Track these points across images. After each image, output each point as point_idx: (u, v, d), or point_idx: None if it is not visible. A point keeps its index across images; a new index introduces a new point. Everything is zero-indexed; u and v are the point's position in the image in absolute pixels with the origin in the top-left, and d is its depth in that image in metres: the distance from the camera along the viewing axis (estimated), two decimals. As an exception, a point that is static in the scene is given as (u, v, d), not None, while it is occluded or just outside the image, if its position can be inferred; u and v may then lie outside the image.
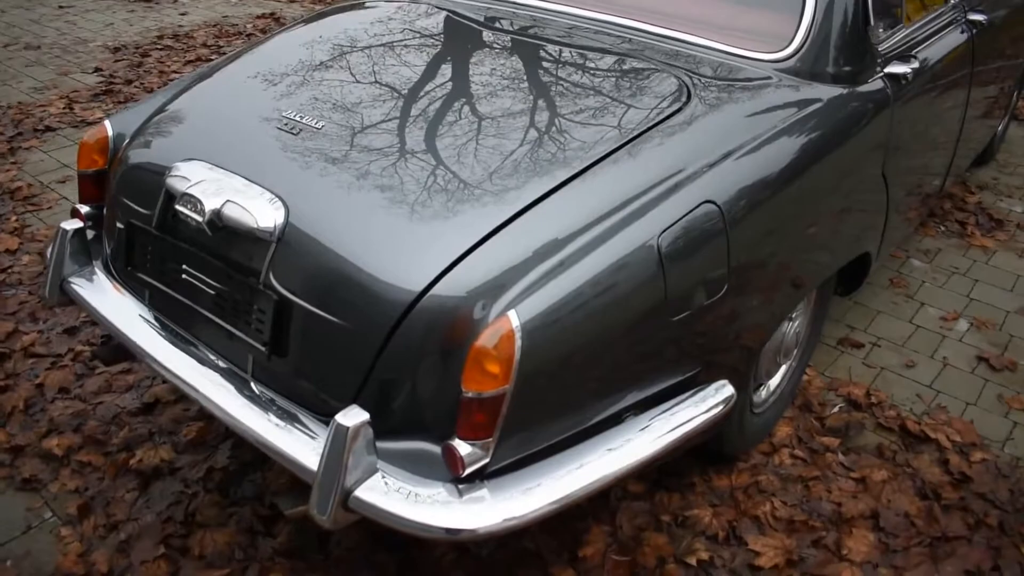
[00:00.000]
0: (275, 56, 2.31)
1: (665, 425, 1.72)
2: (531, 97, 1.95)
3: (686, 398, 1.81)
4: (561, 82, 2.02)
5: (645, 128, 1.82)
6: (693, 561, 2.14)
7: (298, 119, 1.91)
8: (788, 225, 1.97)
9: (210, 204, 1.73)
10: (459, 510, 1.48)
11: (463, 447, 1.49)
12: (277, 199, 1.72)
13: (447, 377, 1.53)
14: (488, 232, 1.58)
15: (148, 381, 2.73)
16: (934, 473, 2.48)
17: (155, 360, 1.88)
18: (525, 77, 2.05)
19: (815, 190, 2.03)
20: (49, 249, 2.21)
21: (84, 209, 2.26)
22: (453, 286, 1.54)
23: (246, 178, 1.78)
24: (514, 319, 1.47)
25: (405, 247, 1.60)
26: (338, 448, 1.48)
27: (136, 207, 2.02)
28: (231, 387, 1.76)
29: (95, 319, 2.07)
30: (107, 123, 2.30)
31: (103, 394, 2.69)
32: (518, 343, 1.46)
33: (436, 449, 1.55)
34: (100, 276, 2.14)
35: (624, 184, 1.70)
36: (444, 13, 2.53)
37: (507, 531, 1.50)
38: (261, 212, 1.69)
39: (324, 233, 1.67)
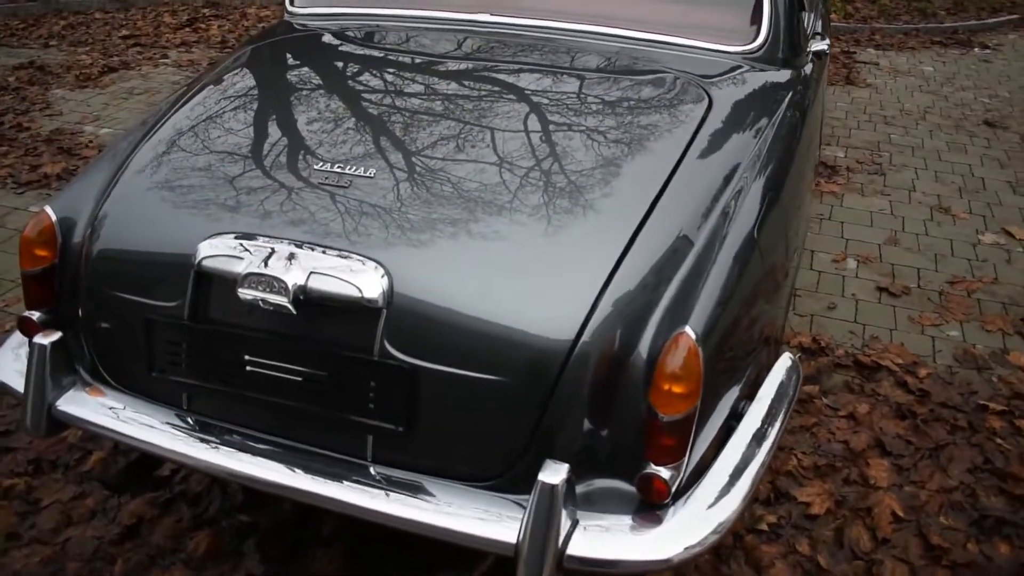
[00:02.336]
0: (248, 102, 2.10)
1: (778, 406, 1.79)
2: (570, 119, 1.92)
3: (769, 377, 1.89)
4: (589, 102, 2.00)
5: (694, 132, 1.86)
6: (764, 527, 2.25)
7: (338, 171, 1.74)
8: (801, 184, 2.12)
9: (293, 280, 1.52)
10: (674, 535, 1.46)
11: (664, 472, 1.47)
12: (371, 262, 1.54)
13: (624, 409, 1.49)
14: (617, 258, 1.56)
15: (114, 500, 2.38)
16: (899, 395, 2.77)
17: (231, 472, 1.64)
18: (546, 99, 2.01)
19: (806, 153, 2.21)
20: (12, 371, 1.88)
21: (36, 315, 1.93)
22: (607, 318, 1.49)
23: (318, 245, 1.59)
24: (691, 333, 1.47)
25: (539, 288, 1.52)
26: (545, 509, 1.40)
27: (147, 300, 1.74)
28: (350, 477, 1.57)
29: (117, 442, 1.78)
30: (48, 209, 1.93)
31: (65, 529, 2.31)
32: (701, 356, 1.46)
33: (614, 484, 1.51)
34: (103, 391, 1.84)
35: (704, 188, 1.74)
36: (406, 34, 2.42)
37: (714, 544, 1.50)
38: (363, 279, 1.52)
39: (439, 289, 1.54)
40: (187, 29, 7.21)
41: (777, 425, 1.76)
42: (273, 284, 1.53)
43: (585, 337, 1.48)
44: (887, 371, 2.88)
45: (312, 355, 1.59)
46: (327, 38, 2.45)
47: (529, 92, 2.04)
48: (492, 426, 1.53)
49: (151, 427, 1.75)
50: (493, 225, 1.63)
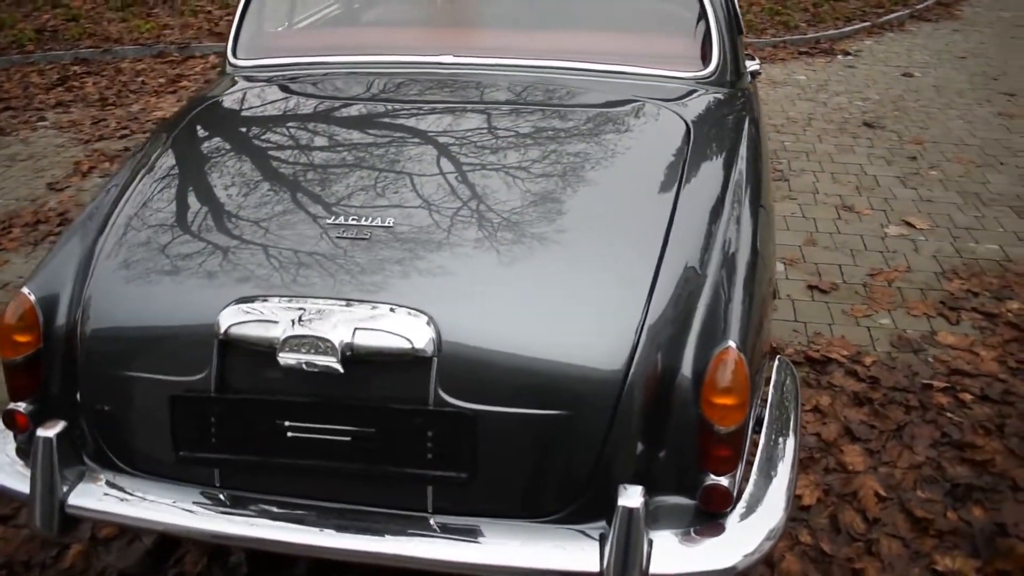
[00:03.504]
0: (222, 161, 2.06)
1: (789, 407, 1.90)
2: (568, 153, 1.98)
3: (773, 381, 2.00)
4: (581, 136, 2.06)
5: (684, 161, 1.95)
6: (765, 523, 2.35)
7: (354, 223, 1.74)
8: (770, 191, 2.26)
9: (339, 338, 1.50)
10: (735, 543, 1.53)
11: (725, 481, 1.54)
12: (415, 311, 1.54)
13: (680, 427, 1.55)
14: (649, 286, 1.62)
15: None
16: (852, 384, 2.95)
17: (285, 544, 1.60)
18: (539, 134, 2.06)
19: (767, 161, 2.36)
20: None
21: (22, 407, 1.82)
22: (649, 344, 1.55)
23: (357, 300, 1.56)
24: (736, 347, 1.55)
25: (583, 321, 1.57)
26: (628, 533, 1.43)
27: (163, 376, 1.67)
28: (414, 531, 1.56)
29: (147, 530, 1.69)
30: (26, 291, 1.82)
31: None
32: (746, 367, 1.55)
33: (675, 499, 1.57)
34: (118, 478, 1.74)
35: (706, 211, 1.83)
36: (369, 81, 2.41)
37: (770, 550, 1.58)
38: (410, 330, 1.52)
39: (485, 332, 1.56)
40: (60, 88, 6.90)
41: (793, 425, 1.86)
42: (319, 345, 1.51)
43: (635, 364, 1.53)
44: (836, 363, 3.06)
45: (362, 413, 1.57)
46: (286, 89, 2.42)
47: (516, 129, 2.09)
48: (555, 461, 1.56)
49: (183, 510, 1.67)
50: (522, 262, 1.66)
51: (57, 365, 1.79)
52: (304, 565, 2.17)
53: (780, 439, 1.80)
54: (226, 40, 2.66)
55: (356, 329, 1.52)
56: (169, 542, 2.27)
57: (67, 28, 8.30)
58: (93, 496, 1.72)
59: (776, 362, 2.07)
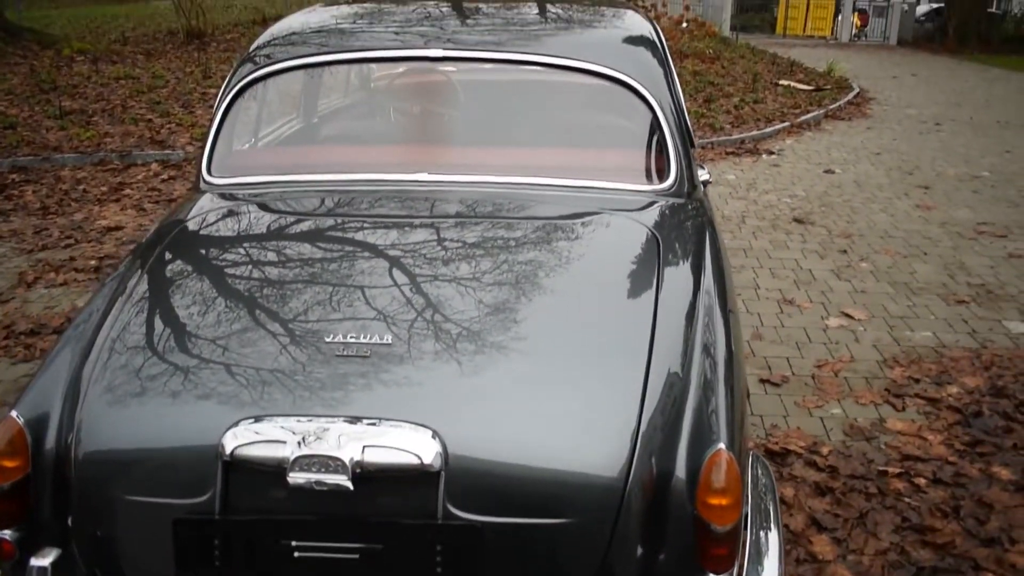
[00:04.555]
0: (209, 280, 2.08)
1: (767, 500, 1.99)
2: (551, 267, 2.07)
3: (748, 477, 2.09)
4: (558, 248, 2.17)
5: (658, 271, 2.06)
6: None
7: (353, 341, 1.78)
8: (733, 290, 2.40)
9: (349, 456, 1.53)
10: None
11: None
12: (421, 427, 1.58)
13: (677, 529, 1.61)
14: (641, 395, 1.70)
15: None
16: (813, 474, 3.06)
17: None
18: (517, 249, 2.14)
19: (727, 263, 2.50)
20: None
21: (8, 535, 1.78)
22: (645, 450, 1.62)
23: (362, 418, 1.59)
24: (727, 449, 1.63)
25: (581, 430, 1.64)
26: None
27: (164, 500, 1.66)
28: None
29: None
30: (14, 414, 1.79)
31: None
32: (737, 467, 1.63)
33: None
34: None
35: (684, 316, 1.93)
36: (346, 198, 2.47)
37: None
38: (418, 446, 1.55)
39: (489, 444, 1.60)
40: (-2, 198, 6.82)
41: (774, 518, 1.95)
42: (328, 464, 1.53)
43: (632, 470, 1.60)
44: (795, 454, 3.18)
45: (371, 529, 1.59)
46: (266, 208, 2.47)
47: (495, 243, 2.19)
48: (560, 567, 1.60)
49: None
50: (518, 373, 1.74)
51: (47, 491, 1.76)
52: None
53: (764, 533, 1.87)
54: (198, 157, 2.71)
55: (365, 447, 1.56)
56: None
57: (4, 136, 8.25)
58: None
59: (749, 457, 2.16)
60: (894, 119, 10.46)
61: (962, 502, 2.87)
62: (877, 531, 2.74)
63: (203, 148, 2.71)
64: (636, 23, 2.98)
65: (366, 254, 2.20)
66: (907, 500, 2.89)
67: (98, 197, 6.78)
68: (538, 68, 2.68)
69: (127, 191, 6.95)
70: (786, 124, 8.98)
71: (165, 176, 7.37)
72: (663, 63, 2.72)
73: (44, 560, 1.68)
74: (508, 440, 1.63)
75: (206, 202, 2.57)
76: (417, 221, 2.33)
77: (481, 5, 3.20)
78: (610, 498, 1.59)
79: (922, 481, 2.99)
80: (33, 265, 5.25)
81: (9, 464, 1.77)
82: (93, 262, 5.24)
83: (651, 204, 2.46)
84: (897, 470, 3.05)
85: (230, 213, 2.50)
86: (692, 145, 2.73)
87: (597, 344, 1.83)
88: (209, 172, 2.69)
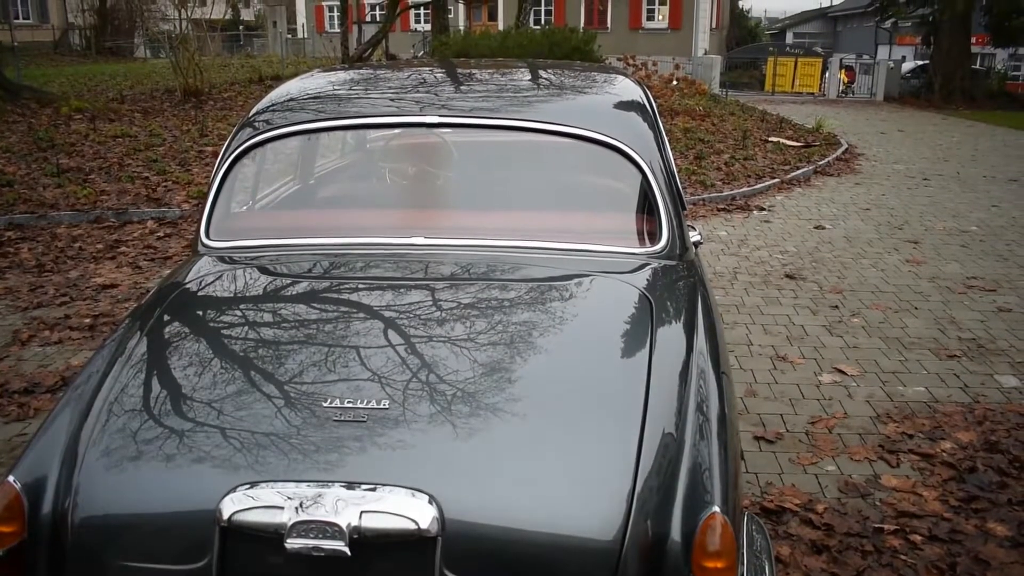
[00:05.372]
0: (207, 345, 2.10)
1: (762, 560, 2.00)
2: (542, 329, 2.11)
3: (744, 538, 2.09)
4: (549, 310, 2.20)
5: (651, 334, 2.09)
6: None
7: (350, 406, 1.79)
8: (725, 349, 2.42)
9: (347, 522, 1.53)
10: None
11: None
12: (418, 492, 1.59)
13: None
14: (635, 458, 1.71)
15: None
16: (808, 532, 3.06)
17: None
18: (509, 312, 2.18)
19: (719, 322, 2.53)
20: None
21: None
22: (639, 513, 1.63)
23: (359, 484, 1.60)
24: (722, 512, 1.63)
25: (576, 494, 1.64)
26: None
27: (160, 566, 1.66)
28: None
29: None
30: (12, 478, 1.79)
31: None
32: (731, 530, 1.64)
33: None
34: None
35: (676, 380, 1.95)
36: (342, 262, 2.50)
37: None
38: (415, 511, 1.56)
39: (485, 508, 1.61)
40: (-7, 255, 6.86)
41: (770, 579, 1.95)
42: (326, 530, 1.54)
43: (628, 533, 1.61)
44: (790, 512, 3.18)
45: None
46: (264, 271, 2.50)
47: (489, 305, 2.22)
48: None
49: None
50: (512, 437, 1.75)
51: (43, 556, 1.75)
52: None
53: None
54: (196, 220, 2.76)
55: (362, 512, 1.57)
56: None
57: (1, 193, 8.32)
58: None
59: (744, 517, 2.17)
60: (882, 174, 10.62)
61: (958, 559, 2.87)
62: (874, 591, 2.73)
63: (202, 211, 2.74)
64: (627, 88, 3.05)
65: (362, 316, 2.22)
66: (903, 557, 2.89)
67: (94, 255, 6.81)
68: (531, 134, 2.74)
69: (123, 249, 6.99)
70: (776, 180, 9.11)
71: (161, 233, 7.43)
72: (653, 126, 2.79)
73: None
74: (504, 504, 1.63)
75: (204, 265, 2.59)
76: (412, 283, 2.36)
77: (475, 71, 3.27)
78: (606, 562, 1.59)
79: (918, 538, 2.98)
80: (28, 323, 5.26)
81: (5, 529, 1.77)
82: (88, 320, 5.25)
83: (643, 266, 2.50)
84: (893, 527, 3.05)
85: (228, 276, 2.52)
86: (683, 207, 2.78)
87: (592, 406, 1.85)
88: (208, 235, 2.71)
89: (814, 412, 3.96)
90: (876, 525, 3.07)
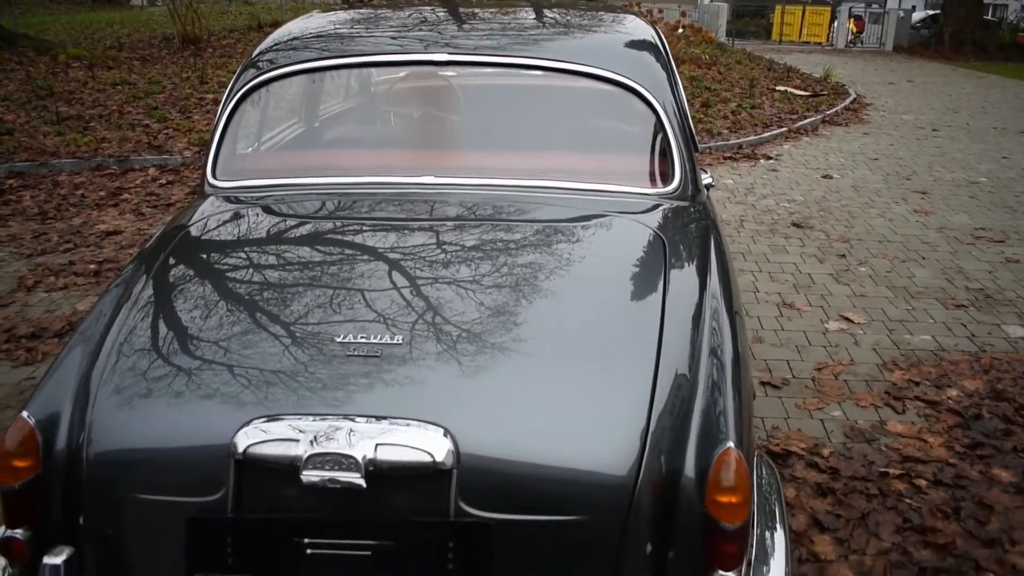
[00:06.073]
0: (218, 281, 2.09)
1: (772, 498, 2.01)
2: (557, 267, 2.09)
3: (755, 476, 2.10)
4: (565, 251, 2.18)
5: (665, 273, 2.08)
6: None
7: (364, 341, 1.79)
8: (738, 292, 2.41)
9: (362, 454, 1.54)
10: None
11: None
12: (432, 426, 1.59)
13: (687, 526, 1.62)
14: (650, 393, 1.71)
15: None
16: (814, 475, 3.08)
17: None
18: (525, 250, 2.15)
19: (731, 264, 2.52)
20: None
21: (20, 534, 1.78)
22: (654, 448, 1.63)
23: (376, 416, 1.60)
24: (736, 448, 1.63)
25: (591, 428, 1.64)
26: None
27: (176, 498, 1.66)
28: None
29: None
30: (25, 414, 1.79)
31: None
32: (746, 465, 1.64)
33: None
34: None
35: (691, 318, 1.94)
36: (353, 201, 2.47)
37: None
38: (431, 444, 1.56)
39: (501, 442, 1.61)
40: (-5, 202, 6.82)
41: (779, 518, 1.96)
42: (342, 462, 1.54)
43: (643, 468, 1.61)
44: (796, 456, 3.19)
45: (383, 527, 1.60)
46: (271, 211, 2.48)
47: (503, 243, 2.20)
48: (570, 565, 1.61)
49: None
50: (529, 372, 1.75)
51: (58, 490, 1.76)
52: None
53: (770, 532, 1.89)
54: (202, 160, 2.72)
55: (377, 445, 1.57)
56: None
57: (1, 141, 8.25)
58: None
59: (755, 457, 2.17)
60: (891, 125, 10.51)
61: (963, 503, 2.89)
62: (879, 532, 2.76)
63: (207, 152, 2.72)
64: (638, 27, 3.00)
65: (374, 256, 2.21)
66: (908, 501, 2.91)
67: (96, 202, 6.78)
68: (540, 72, 2.69)
69: (125, 196, 6.95)
70: (783, 129, 9.02)
71: (163, 181, 7.38)
72: (666, 67, 2.74)
73: (56, 559, 1.69)
74: (519, 438, 1.63)
75: (210, 206, 2.57)
76: (421, 223, 2.34)
77: (478, 10, 3.20)
78: (620, 496, 1.59)
79: (923, 482, 3.00)
80: (32, 269, 5.25)
81: (21, 464, 1.78)
82: (93, 266, 5.24)
83: (656, 207, 2.47)
84: (898, 472, 3.07)
85: (234, 216, 2.50)
86: (695, 149, 2.75)
87: (606, 344, 1.84)
88: (214, 175, 2.69)
89: (820, 359, 3.97)
90: (881, 469, 3.09)
